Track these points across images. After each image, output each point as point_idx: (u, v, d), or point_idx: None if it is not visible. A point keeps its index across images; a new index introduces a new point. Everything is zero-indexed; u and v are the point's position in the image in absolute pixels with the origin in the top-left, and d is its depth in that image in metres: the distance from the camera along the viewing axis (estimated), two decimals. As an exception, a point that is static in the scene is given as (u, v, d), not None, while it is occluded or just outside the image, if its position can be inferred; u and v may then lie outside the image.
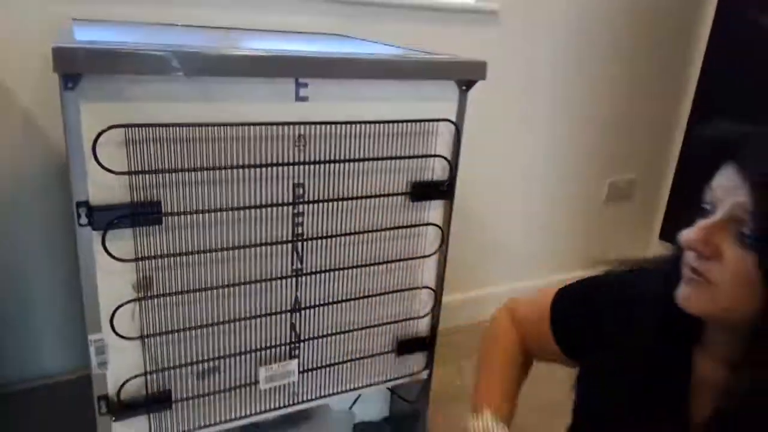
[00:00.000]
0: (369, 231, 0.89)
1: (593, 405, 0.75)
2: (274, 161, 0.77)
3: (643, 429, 0.67)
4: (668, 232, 2.16)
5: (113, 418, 0.79)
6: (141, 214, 0.71)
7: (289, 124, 0.76)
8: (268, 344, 0.86)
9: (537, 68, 1.72)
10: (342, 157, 0.82)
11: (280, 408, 0.91)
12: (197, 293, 0.78)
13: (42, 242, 1.22)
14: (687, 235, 0.57)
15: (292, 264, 0.84)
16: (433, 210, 0.93)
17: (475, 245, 1.87)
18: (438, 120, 0.87)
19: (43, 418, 1.18)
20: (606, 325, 0.72)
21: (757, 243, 0.53)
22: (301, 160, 0.79)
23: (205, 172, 0.73)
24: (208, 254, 0.77)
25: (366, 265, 0.90)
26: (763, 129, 0.56)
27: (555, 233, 1.95)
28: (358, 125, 0.82)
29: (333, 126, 0.80)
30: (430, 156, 0.89)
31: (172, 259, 0.75)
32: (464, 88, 0.88)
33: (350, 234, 0.87)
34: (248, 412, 0.89)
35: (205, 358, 0.82)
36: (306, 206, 0.82)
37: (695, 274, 0.57)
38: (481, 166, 1.76)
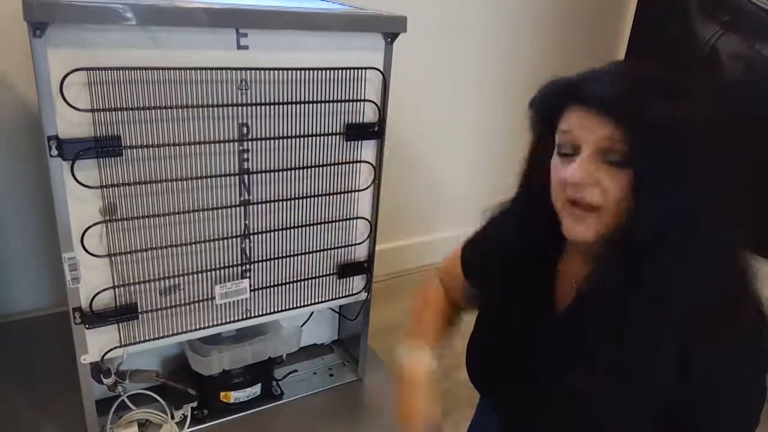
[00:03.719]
0: (309, 167, 1.02)
1: (485, 309, 0.92)
2: (220, 103, 0.89)
3: (519, 319, 0.84)
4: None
5: (87, 327, 0.91)
6: (103, 146, 0.83)
7: (232, 69, 0.88)
8: (222, 265, 1.00)
9: (483, 17, 1.85)
10: (281, 101, 0.94)
11: (235, 321, 1.05)
12: (157, 218, 0.91)
13: (13, 185, 1.32)
14: (572, 173, 0.66)
15: (240, 195, 0.97)
16: (366, 149, 1.06)
17: (423, 192, 2.01)
18: (366, 68, 1.00)
19: (11, 354, 1.28)
20: (493, 250, 0.88)
21: (630, 162, 0.66)
22: (245, 102, 0.91)
23: (159, 110, 0.85)
24: (164, 184, 0.89)
25: (307, 197, 1.03)
26: (595, 70, 0.70)
27: (496, 179, 2.10)
28: (295, 71, 0.94)
29: (273, 72, 0.92)
30: (361, 101, 1.02)
31: (132, 187, 0.87)
32: (389, 40, 1.00)
33: (292, 169, 1.00)
34: (207, 324, 1.02)
35: (167, 275, 0.95)
36: (251, 143, 0.95)
37: (577, 206, 0.68)
38: (427, 115, 1.89)
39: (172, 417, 1.09)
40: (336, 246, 1.10)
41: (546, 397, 0.79)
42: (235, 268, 1.01)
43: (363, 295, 1.18)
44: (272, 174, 0.98)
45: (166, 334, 0.99)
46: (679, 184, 0.64)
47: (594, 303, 0.71)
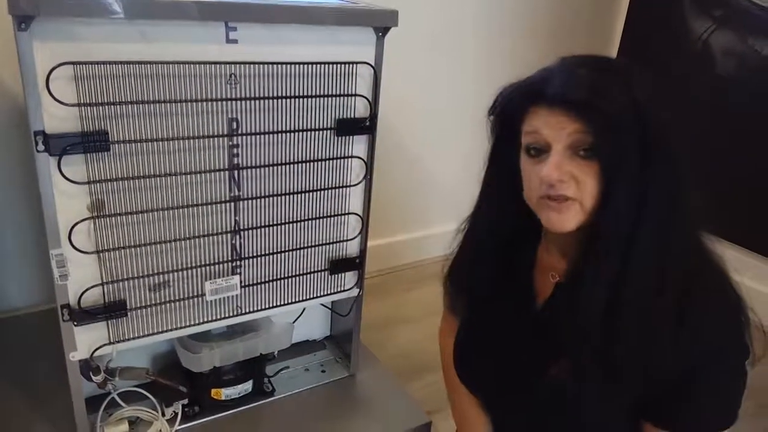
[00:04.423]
0: (300, 162, 1.01)
1: (471, 306, 0.92)
2: (209, 97, 0.88)
3: (501, 314, 0.84)
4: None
5: (75, 324, 0.91)
6: (91, 142, 0.82)
7: (221, 63, 0.87)
8: (212, 261, 0.99)
9: (478, 11, 1.84)
10: (272, 95, 0.94)
11: (225, 318, 1.04)
12: (145, 214, 0.90)
13: (4, 180, 1.31)
14: (548, 173, 0.67)
15: (230, 191, 0.96)
16: (357, 144, 1.06)
17: (419, 187, 2.01)
18: (357, 62, 0.99)
19: (2, 351, 1.27)
20: (471, 254, 0.88)
21: (597, 153, 0.67)
22: (234, 96, 0.91)
23: (147, 105, 0.84)
24: (153, 179, 0.88)
25: (298, 193, 1.03)
26: (548, 69, 0.70)
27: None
28: (285, 66, 0.93)
29: (262, 66, 0.91)
30: (352, 95, 1.01)
31: (120, 183, 0.86)
32: (380, 34, 0.99)
33: (282, 164, 0.99)
34: (197, 321, 1.01)
35: (156, 272, 0.94)
36: (241, 139, 0.94)
37: (556, 200, 0.69)
38: (420, 111, 1.88)
39: (163, 414, 1.09)
40: (327, 242, 1.10)
41: (530, 390, 0.79)
42: (225, 265, 1.00)
43: (355, 291, 1.17)
44: (263, 169, 0.97)
45: (155, 331, 0.98)
46: (643, 169, 0.65)
47: (575, 297, 0.71)
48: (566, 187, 0.68)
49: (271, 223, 1.02)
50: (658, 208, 0.67)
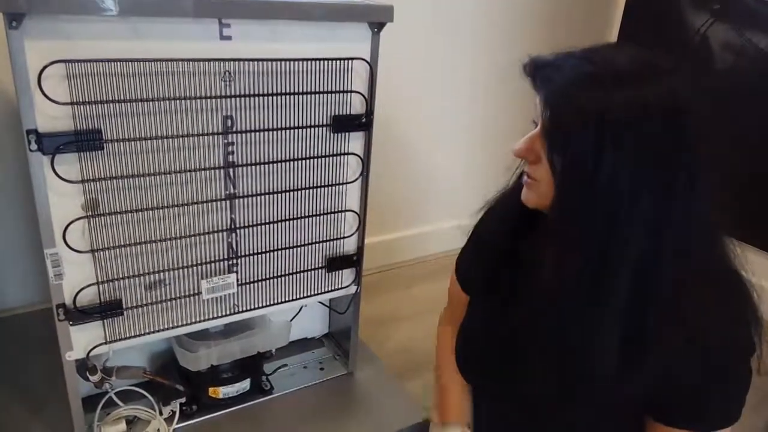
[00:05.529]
0: (296, 159, 1.00)
1: (475, 298, 0.91)
2: (203, 95, 0.88)
3: (506, 298, 0.83)
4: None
5: (71, 323, 0.90)
6: (84, 140, 0.81)
7: (215, 60, 0.87)
8: (209, 259, 0.98)
9: (468, 10, 1.83)
10: (266, 92, 0.93)
11: (222, 316, 1.04)
12: (140, 213, 0.89)
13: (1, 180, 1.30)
14: (515, 145, 0.70)
15: (226, 188, 0.96)
16: (354, 141, 1.05)
17: (417, 183, 2.00)
18: (353, 59, 0.98)
19: (2, 350, 1.27)
20: (482, 240, 0.87)
21: (550, 150, 0.66)
22: (229, 94, 0.90)
23: (141, 103, 0.83)
24: (147, 178, 0.88)
25: (294, 190, 1.02)
26: (558, 56, 0.69)
27: (487, 171, 2.09)
28: (280, 62, 0.92)
29: (257, 63, 0.90)
30: (348, 92, 1.00)
31: (114, 181, 0.86)
32: (376, 29, 0.99)
33: (278, 162, 0.99)
34: (193, 320, 1.01)
35: (151, 270, 0.94)
36: (236, 136, 0.93)
37: (528, 177, 0.71)
38: (418, 107, 1.87)
39: (161, 413, 1.08)
40: (324, 239, 1.09)
41: (526, 384, 0.79)
42: (221, 263, 1.00)
43: (353, 289, 1.17)
44: (258, 167, 0.97)
45: (151, 330, 0.97)
46: (595, 175, 0.62)
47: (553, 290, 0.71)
48: (532, 168, 0.70)
49: (267, 220, 1.01)
50: (606, 217, 0.63)
